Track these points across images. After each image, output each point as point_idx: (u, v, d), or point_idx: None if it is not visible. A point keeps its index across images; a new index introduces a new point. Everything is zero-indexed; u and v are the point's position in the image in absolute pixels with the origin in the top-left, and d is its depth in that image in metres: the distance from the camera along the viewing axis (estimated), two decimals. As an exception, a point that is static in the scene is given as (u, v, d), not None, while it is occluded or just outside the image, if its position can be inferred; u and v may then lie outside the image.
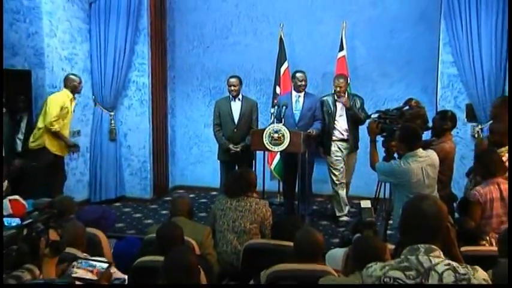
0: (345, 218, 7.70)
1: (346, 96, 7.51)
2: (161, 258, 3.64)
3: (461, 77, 7.64)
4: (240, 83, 7.76)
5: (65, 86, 7.57)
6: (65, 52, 8.16)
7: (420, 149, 5.10)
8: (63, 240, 3.36)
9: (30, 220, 3.29)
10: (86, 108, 8.68)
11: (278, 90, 8.62)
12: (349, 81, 7.86)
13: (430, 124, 6.16)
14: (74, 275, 3.54)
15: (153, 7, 8.82)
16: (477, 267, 2.38)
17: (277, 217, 7.28)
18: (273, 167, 8.60)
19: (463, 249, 4.25)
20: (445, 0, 7.58)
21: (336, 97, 7.53)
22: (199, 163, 9.75)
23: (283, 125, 7.03)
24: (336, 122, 7.58)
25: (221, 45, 9.43)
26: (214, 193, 8.62)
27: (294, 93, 7.63)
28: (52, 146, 7.43)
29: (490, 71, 7.37)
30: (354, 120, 7.47)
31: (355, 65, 8.63)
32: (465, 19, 7.41)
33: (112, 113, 8.79)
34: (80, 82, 7.68)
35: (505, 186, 5.01)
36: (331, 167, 7.75)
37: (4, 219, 3.71)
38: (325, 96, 7.74)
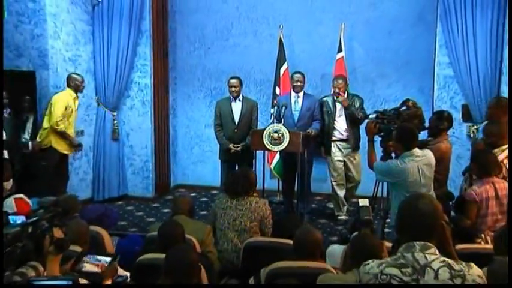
0: (343, 217, 7.69)
1: (344, 96, 7.48)
2: (163, 255, 3.65)
3: (457, 78, 7.65)
4: (241, 83, 7.76)
5: (68, 86, 7.59)
6: (68, 53, 8.17)
7: (417, 149, 5.11)
8: (67, 238, 3.37)
9: (35, 218, 3.31)
10: (89, 109, 8.69)
11: (278, 90, 8.63)
12: (348, 82, 7.84)
13: (427, 124, 6.16)
14: (83, 270, 3.55)
15: (155, 9, 8.82)
16: (472, 264, 2.39)
17: (276, 215, 7.32)
18: (272, 166, 8.61)
19: (459, 247, 4.27)
20: (441, 3, 7.58)
21: (335, 97, 7.53)
22: (200, 162, 9.76)
23: (283, 125, 7.05)
24: (335, 122, 7.58)
25: (222, 47, 9.43)
26: (215, 192, 8.62)
27: (293, 93, 7.64)
28: (58, 145, 7.47)
29: (485, 72, 7.38)
30: (352, 119, 7.46)
31: (354, 66, 8.63)
32: (461, 22, 7.42)
33: (115, 113, 8.80)
34: (82, 81, 7.70)
35: (500, 185, 5.03)
36: (330, 167, 7.75)
37: (9, 217, 3.73)
38: (325, 96, 7.73)
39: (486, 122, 6.15)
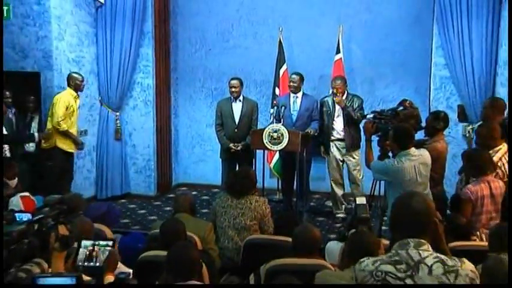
0: (341, 215, 7.71)
1: (340, 96, 7.44)
2: (165, 253, 3.66)
3: (453, 79, 7.67)
4: (241, 84, 7.77)
5: (68, 85, 7.58)
6: (72, 55, 8.18)
7: (413, 148, 5.12)
8: (72, 235, 3.39)
9: (41, 216, 3.32)
10: (93, 109, 8.71)
11: (277, 91, 8.64)
12: (347, 83, 7.78)
13: (424, 124, 6.17)
14: (85, 264, 3.52)
15: (157, 11, 8.83)
16: (464, 259, 2.40)
17: (276, 213, 7.33)
18: (272, 165, 8.61)
19: (455, 244, 4.29)
20: (437, 6, 7.60)
21: (333, 97, 7.53)
22: (201, 162, 9.76)
23: (282, 125, 7.06)
24: (334, 122, 7.57)
25: (222, 48, 9.43)
26: (216, 190, 8.62)
27: (292, 94, 7.65)
28: (63, 144, 7.48)
29: (480, 73, 7.39)
30: (349, 120, 7.44)
31: (352, 67, 8.64)
32: (457, 24, 7.43)
33: (117, 113, 8.81)
34: (83, 80, 7.69)
35: (495, 184, 5.04)
36: (329, 166, 7.76)
37: (16, 214, 3.74)
38: (326, 97, 7.73)
39: (480, 122, 6.15)
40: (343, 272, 3.47)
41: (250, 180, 5.48)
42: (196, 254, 3.57)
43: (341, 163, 7.64)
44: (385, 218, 5.76)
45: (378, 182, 6.17)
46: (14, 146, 7.26)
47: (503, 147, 5.33)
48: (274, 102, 8.05)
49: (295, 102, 7.61)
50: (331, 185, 7.77)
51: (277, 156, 8.42)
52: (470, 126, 7.44)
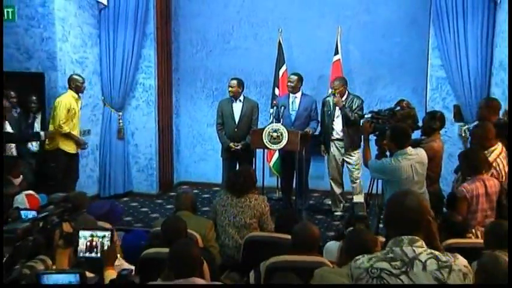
0: (339, 213, 7.71)
1: (338, 96, 7.42)
2: (166, 250, 3.66)
3: (449, 80, 7.68)
4: (240, 85, 7.75)
5: (69, 87, 7.55)
6: (76, 56, 8.19)
7: (410, 147, 5.13)
8: (75, 232, 3.39)
9: (46, 213, 3.33)
10: (96, 109, 8.72)
11: (277, 91, 8.65)
12: (346, 83, 7.71)
13: (420, 124, 6.18)
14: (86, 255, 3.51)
15: (159, 13, 8.85)
16: (457, 254, 2.41)
17: (275, 211, 7.33)
18: (271, 164, 8.62)
19: (451, 241, 4.30)
20: (434, 8, 7.61)
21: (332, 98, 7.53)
22: (202, 160, 9.77)
23: (282, 124, 7.06)
24: (334, 122, 7.57)
25: (223, 49, 9.44)
26: (217, 189, 8.62)
27: (291, 94, 7.66)
28: (66, 146, 7.46)
29: (475, 74, 7.41)
30: (347, 120, 7.43)
31: (350, 68, 8.64)
32: (453, 25, 7.45)
33: (120, 113, 8.82)
34: (83, 82, 7.66)
35: (490, 183, 5.05)
36: (329, 165, 7.77)
37: (21, 212, 3.75)
38: (327, 96, 7.71)
39: (477, 122, 6.16)
40: (342, 269, 3.47)
41: (250, 179, 5.48)
42: (197, 251, 3.57)
43: (340, 162, 7.64)
44: (382, 216, 5.76)
45: (375, 181, 6.18)
46: (21, 145, 7.26)
47: (498, 147, 5.33)
48: (274, 102, 8.06)
49: (294, 102, 7.61)
50: (330, 184, 7.77)
51: (276, 155, 8.42)
52: (466, 126, 7.45)
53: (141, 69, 8.85)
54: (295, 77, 7.60)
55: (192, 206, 5.26)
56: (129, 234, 5.54)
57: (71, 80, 7.57)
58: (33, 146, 7.56)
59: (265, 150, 7.82)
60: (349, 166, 7.58)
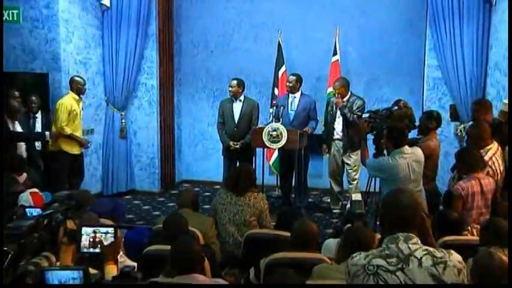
0: (338, 210, 7.72)
1: (339, 97, 7.39)
2: (168, 247, 3.66)
3: (446, 80, 7.69)
4: (240, 85, 7.76)
5: (71, 89, 7.51)
6: (79, 57, 8.19)
7: (406, 146, 5.14)
8: (79, 229, 3.39)
9: (50, 211, 3.33)
10: (99, 109, 8.72)
11: (276, 91, 8.66)
12: (346, 84, 7.57)
13: (417, 123, 6.19)
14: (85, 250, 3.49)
15: (161, 15, 8.84)
16: (451, 250, 2.42)
17: (275, 209, 7.34)
18: (271, 162, 8.62)
19: (446, 238, 4.30)
20: (430, 9, 7.61)
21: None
22: (203, 159, 9.77)
23: (281, 124, 7.06)
24: (335, 122, 7.55)
25: (224, 50, 9.45)
26: (218, 187, 8.59)
27: (290, 94, 7.66)
28: (68, 147, 7.45)
29: (471, 74, 7.41)
30: (345, 120, 7.42)
31: (348, 69, 8.63)
32: (449, 27, 7.45)
33: (123, 113, 8.83)
34: (85, 84, 7.63)
35: (485, 181, 5.06)
36: (329, 164, 7.77)
37: (26, 209, 3.75)
38: (332, 96, 7.71)
39: (472, 122, 6.17)
40: (340, 265, 3.47)
41: (249, 178, 5.46)
42: (199, 248, 3.57)
43: (340, 162, 7.62)
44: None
45: (373, 179, 6.18)
46: (29, 144, 7.24)
47: (494, 146, 5.34)
48: (274, 102, 8.06)
49: (293, 102, 7.62)
50: (330, 182, 7.78)
51: (276, 154, 8.43)
52: (462, 125, 7.45)
53: (143, 69, 8.86)
54: (294, 78, 7.60)
55: (194, 203, 5.25)
56: (132, 231, 5.54)
57: (72, 81, 7.54)
58: (36, 145, 7.54)
59: (265, 149, 7.83)
60: (347, 167, 7.57)
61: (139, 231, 5.47)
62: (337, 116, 7.49)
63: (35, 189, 5.62)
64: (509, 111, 5.57)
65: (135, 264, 4.01)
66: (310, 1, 8.91)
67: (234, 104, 7.80)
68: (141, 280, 3.35)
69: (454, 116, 7.64)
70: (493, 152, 5.29)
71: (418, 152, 5.23)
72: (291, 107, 7.60)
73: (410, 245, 2.36)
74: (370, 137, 5.73)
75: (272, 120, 7.23)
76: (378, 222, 5.72)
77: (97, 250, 3.45)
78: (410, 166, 5.07)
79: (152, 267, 3.83)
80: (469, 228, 5.00)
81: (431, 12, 7.58)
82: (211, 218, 5.26)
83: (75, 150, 7.55)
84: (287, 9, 8.99)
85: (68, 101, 7.40)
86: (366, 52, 8.74)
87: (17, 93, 7.32)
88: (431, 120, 6.07)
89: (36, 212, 3.68)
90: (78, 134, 7.60)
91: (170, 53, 9.31)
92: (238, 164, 7.63)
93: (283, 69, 8.69)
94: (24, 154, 7.09)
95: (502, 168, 5.27)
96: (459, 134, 7.56)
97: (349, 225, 4.37)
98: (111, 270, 3.36)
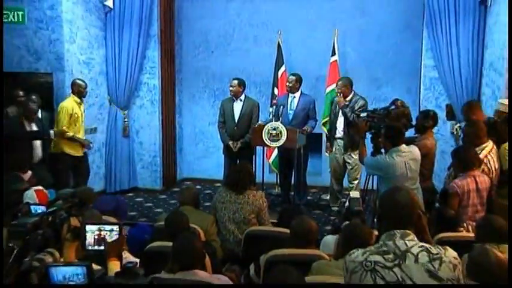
0: (336, 208, 7.72)
1: (340, 96, 7.35)
2: (170, 243, 3.67)
3: (442, 80, 7.69)
4: (241, 85, 7.77)
5: (72, 92, 7.49)
6: (83, 57, 8.20)
7: (403, 145, 5.15)
8: (82, 226, 3.40)
9: (54, 208, 3.33)
10: (102, 108, 8.72)
11: (276, 91, 8.66)
12: (348, 83, 7.41)
13: (414, 122, 6.20)
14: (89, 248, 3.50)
15: (163, 16, 8.84)
16: (447, 247, 2.43)
17: (274, 206, 7.36)
18: (271, 161, 8.62)
19: (443, 235, 4.31)
20: (427, 10, 7.62)
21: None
22: (204, 157, 9.78)
23: (281, 123, 7.07)
24: (337, 121, 7.52)
25: (224, 51, 9.45)
26: (218, 185, 8.62)
27: (290, 94, 7.66)
28: (70, 149, 7.43)
29: (467, 74, 7.42)
30: (346, 119, 7.39)
31: (346, 69, 8.62)
32: (445, 28, 7.46)
33: (125, 112, 8.84)
34: (86, 87, 7.59)
35: (480, 179, 5.06)
36: (330, 162, 7.76)
37: (31, 206, 3.75)
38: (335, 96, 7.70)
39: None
40: (338, 262, 3.47)
41: (247, 176, 5.45)
42: (200, 245, 3.57)
43: (341, 160, 7.59)
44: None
45: (371, 177, 6.19)
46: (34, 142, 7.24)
47: (489, 144, 5.35)
48: (274, 101, 8.05)
49: (293, 102, 7.62)
50: (331, 180, 7.77)
51: (275, 152, 8.42)
52: (458, 124, 7.47)
53: (146, 69, 8.86)
54: (294, 78, 7.59)
55: (195, 201, 5.27)
56: (134, 228, 5.54)
57: (73, 84, 7.51)
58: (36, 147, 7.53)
59: (265, 148, 7.83)
60: (348, 166, 7.52)
61: (141, 228, 5.48)
62: (339, 115, 7.46)
63: (40, 187, 5.63)
64: (509, 110, 5.58)
65: (138, 260, 4.02)
66: (310, 2, 8.92)
67: (235, 104, 7.80)
68: (143, 276, 3.35)
69: (450, 115, 7.65)
70: (488, 150, 5.30)
71: (415, 150, 5.24)
72: (290, 106, 7.59)
73: (406, 242, 2.37)
74: (368, 136, 5.73)
75: (272, 119, 7.23)
76: (375, 220, 5.76)
77: (102, 247, 3.46)
78: (407, 164, 5.08)
79: (154, 263, 3.84)
80: (465, 225, 5.00)
81: (428, 13, 7.59)
82: (211, 215, 5.27)
83: (77, 152, 7.52)
84: (287, 10, 8.99)
85: (69, 104, 7.38)
86: (365, 52, 8.75)
87: (21, 92, 7.33)
88: (428, 119, 6.09)
89: (40, 209, 3.69)
90: (80, 136, 7.58)
91: (172, 53, 9.31)
92: (238, 162, 7.65)
93: (282, 69, 8.68)
94: (40, 154, 7.15)
95: (496, 166, 5.28)
96: (455, 132, 7.57)
97: (347, 222, 4.37)
98: (114, 266, 3.36)
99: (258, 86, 9.22)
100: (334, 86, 7.98)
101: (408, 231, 2.41)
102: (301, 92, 7.69)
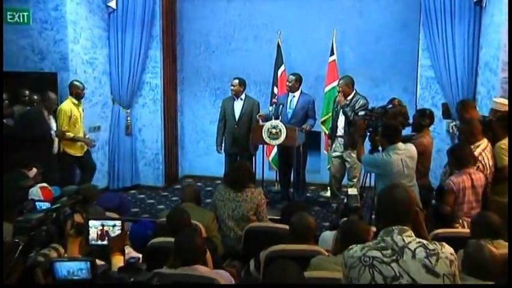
0: (335, 205, 7.72)
1: (341, 95, 7.32)
2: (172, 239, 3.67)
3: (438, 79, 7.70)
4: (242, 84, 7.78)
5: (70, 93, 7.43)
6: (86, 57, 8.20)
7: (400, 143, 5.15)
8: (86, 222, 3.40)
9: (59, 205, 3.33)
10: (105, 106, 8.73)
11: (276, 90, 8.65)
12: (349, 83, 7.36)
13: (411, 121, 6.20)
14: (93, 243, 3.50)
15: (164, 17, 8.83)
16: (443, 243, 2.43)
17: (274, 203, 7.36)
18: (270, 158, 8.62)
19: (439, 231, 4.32)
20: (423, 11, 7.62)
21: None
22: (205, 155, 9.76)
23: (280, 121, 7.06)
24: (338, 119, 7.50)
25: (225, 51, 9.44)
26: (219, 182, 8.60)
27: (289, 93, 7.66)
28: (71, 150, 7.44)
29: (462, 74, 7.42)
30: (346, 118, 7.37)
31: (344, 68, 8.60)
32: (441, 28, 7.46)
33: (128, 111, 8.84)
34: (83, 88, 7.52)
35: (476, 176, 5.07)
36: (330, 160, 7.76)
37: (36, 203, 3.75)
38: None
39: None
40: (336, 257, 3.47)
41: (246, 174, 5.45)
42: (201, 241, 3.58)
43: (341, 158, 7.58)
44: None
45: (368, 175, 6.19)
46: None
47: (484, 142, 5.36)
48: (274, 100, 8.05)
49: (292, 101, 7.60)
50: (330, 177, 7.77)
51: (275, 150, 8.42)
52: (454, 123, 7.46)
53: (148, 69, 8.86)
54: (293, 77, 7.58)
55: (196, 198, 5.27)
56: (137, 224, 5.55)
57: (71, 86, 7.45)
58: None
59: (265, 146, 7.83)
60: (347, 165, 7.50)
61: (144, 224, 5.48)
62: (340, 114, 7.45)
63: (45, 184, 5.63)
64: (509, 110, 5.58)
65: (140, 255, 4.02)
66: (309, 3, 8.91)
67: (235, 103, 7.80)
68: (145, 271, 3.35)
69: (446, 113, 7.66)
70: (483, 148, 5.31)
71: (411, 148, 5.24)
72: (289, 105, 7.59)
73: (404, 238, 2.37)
74: (366, 135, 5.73)
75: (271, 117, 7.23)
76: (373, 216, 5.77)
77: (105, 242, 3.46)
78: (404, 162, 5.09)
79: (156, 258, 3.84)
80: (460, 221, 5.01)
81: (425, 13, 7.59)
82: (212, 212, 5.27)
83: (78, 152, 7.51)
84: (286, 11, 8.97)
85: (67, 107, 7.33)
86: (362, 52, 8.73)
87: (27, 92, 7.34)
88: (425, 117, 6.09)
89: (45, 205, 3.69)
90: (80, 135, 7.56)
91: (173, 53, 9.30)
92: (238, 160, 7.66)
93: (282, 68, 8.68)
94: (55, 151, 7.24)
95: (491, 164, 5.29)
96: (451, 131, 7.57)
97: (345, 218, 4.37)
98: (118, 261, 3.36)
99: (258, 85, 9.21)
100: (332, 85, 8.01)
101: (406, 228, 2.41)
102: (301, 91, 7.67)
